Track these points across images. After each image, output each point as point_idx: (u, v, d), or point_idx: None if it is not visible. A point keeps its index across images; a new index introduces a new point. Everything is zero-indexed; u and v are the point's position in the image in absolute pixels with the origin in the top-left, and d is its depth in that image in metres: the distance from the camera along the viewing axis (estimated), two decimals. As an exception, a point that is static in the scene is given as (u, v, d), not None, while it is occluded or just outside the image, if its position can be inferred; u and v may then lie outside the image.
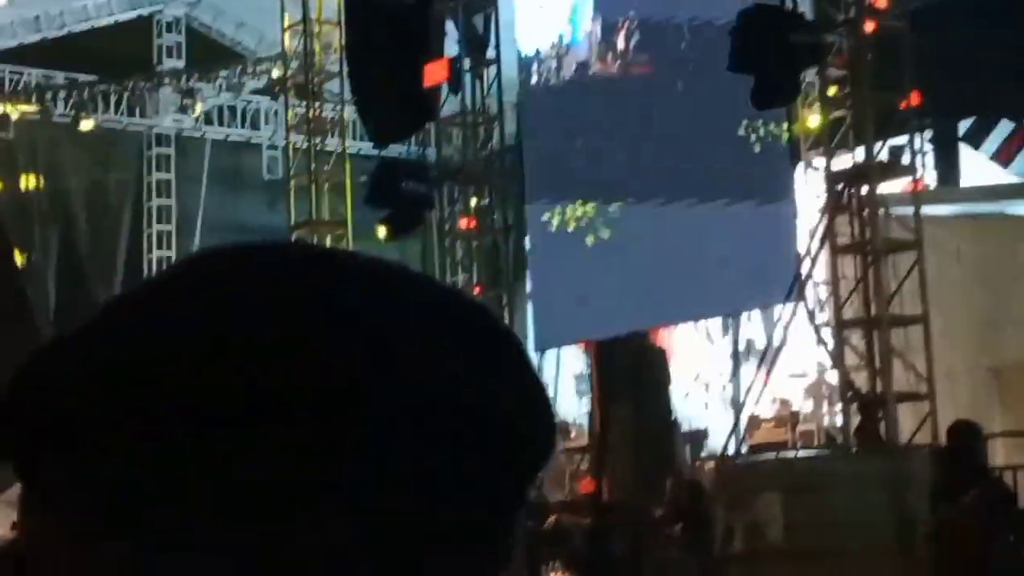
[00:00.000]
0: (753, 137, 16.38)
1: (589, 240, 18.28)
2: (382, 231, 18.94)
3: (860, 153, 15.81)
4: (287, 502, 0.76)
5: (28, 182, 26.17)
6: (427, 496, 0.78)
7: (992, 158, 20.73)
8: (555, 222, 18.78)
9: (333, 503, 0.77)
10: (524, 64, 19.54)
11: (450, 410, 0.79)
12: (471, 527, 0.80)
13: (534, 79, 19.41)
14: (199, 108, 26.85)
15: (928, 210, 16.15)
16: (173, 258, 27.15)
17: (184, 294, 0.80)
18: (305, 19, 20.94)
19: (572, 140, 18.57)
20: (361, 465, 0.77)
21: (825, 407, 17.84)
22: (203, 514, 0.76)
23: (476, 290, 19.27)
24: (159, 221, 27.66)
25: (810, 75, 16.68)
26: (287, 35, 21.42)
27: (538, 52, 19.34)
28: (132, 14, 27.81)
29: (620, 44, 18.30)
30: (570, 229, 18.57)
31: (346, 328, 0.78)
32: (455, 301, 0.85)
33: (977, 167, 20.77)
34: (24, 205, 26.26)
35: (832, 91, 16.32)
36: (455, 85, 19.39)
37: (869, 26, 15.85)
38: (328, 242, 20.83)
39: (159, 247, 27.46)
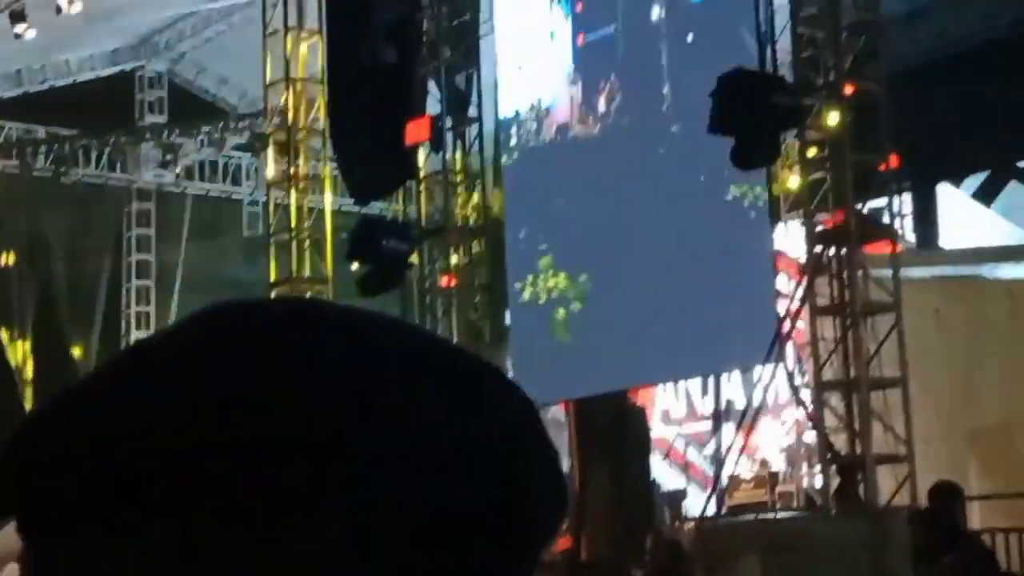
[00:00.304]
0: (733, 199, 16.44)
1: (560, 314, 18.27)
2: (362, 288, 18.93)
3: (840, 215, 15.89)
4: (284, 508, 0.79)
5: (7, 237, 26.13)
6: (421, 531, 0.80)
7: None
8: (526, 295, 18.77)
9: (328, 512, 0.79)
10: (504, 125, 19.59)
11: (433, 450, 0.81)
12: (466, 559, 0.82)
13: (513, 140, 19.46)
14: (180, 163, 26.87)
15: (907, 272, 16.23)
16: (152, 314, 27.11)
17: (169, 359, 0.82)
18: (287, 76, 20.99)
19: (552, 202, 18.59)
20: (348, 500, 0.79)
21: (804, 468, 17.83)
22: (201, 523, 0.78)
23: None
24: (138, 276, 27.61)
25: (790, 136, 16.76)
26: (269, 91, 21.46)
27: (517, 113, 19.40)
28: (114, 69, 27.87)
29: (601, 106, 18.37)
30: (541, 301, 18.58)
31: (328, 380, 0.81)
32: (435, 347, 0.87)
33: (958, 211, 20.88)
34: (3, 270, 26.23)
35: (812, 153, 16.43)
36: (437, 143, 19.45)
37: (848, 89, 15.98)
38: (308, 299, 20.80)
39: (138, 303, 27.40)
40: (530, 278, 18.77)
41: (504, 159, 19.59)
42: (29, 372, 25.78)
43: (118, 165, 26.87)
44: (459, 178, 19.84)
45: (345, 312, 0.87)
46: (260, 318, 0.85)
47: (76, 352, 26.45)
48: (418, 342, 0.86)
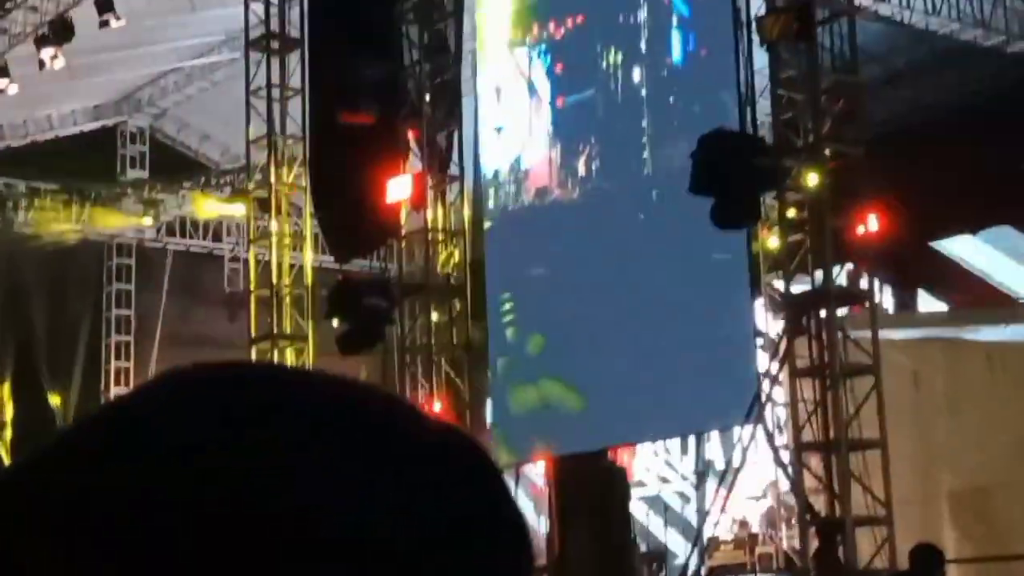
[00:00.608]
0: (713, 261, 16.48)
1: (542, 373, 18.26)
2: (342, 346, 18.92)
3: (819, 277, 15.97)
4: None
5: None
6: None
7: None
8: (507, 356, 18.79)
9: None
10: (484, 185, 19.64)
11: (384, 547, 0.81)
12: None
13: (491, 202, 19.50)
14: (161, 219, 26.89)
15: (886, 333, 16.30)
16: (131, 369, 27.03)
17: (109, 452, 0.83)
18: (270, 133, 21.05)
19: (531, 264, 18.62)
20: None
21: (784, 530, 17.83)
22: None
23: (436, 406, 19.24)
24: (118, 332, 27.55)
25: (770, 197, 16.86)
26: (252, 148, 21.50)
27: (497, 174, 19.46)
28: (96, 124, 27.92)
29: (581, 170, 18.42)
30: (522, 362, 18.58)
31: (273, 475, 0.81)
32: (393, 421, 0.86)
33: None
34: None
35: (791, 214, 16.52)
36: (418, 202, 19.49)
37: (828, 152, 16.09)
38: (289, 355, 20.78)
39: (117, 358, 27.34)
40: (510, 337, 18.78)
41: (486, 221, 19.63)
42: (8, 414, 25.80)
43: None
44: (440, 236, 19.88)
45: (301, 387, 0.86)
46: (222, 399, 0.84)
47: (55, 401, 26.38)
48: (373, 416, 0.85)
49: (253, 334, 21.21)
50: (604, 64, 18.17)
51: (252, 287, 21.86)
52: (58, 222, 26.32)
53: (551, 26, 18.90)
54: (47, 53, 23.17)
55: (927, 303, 20.95)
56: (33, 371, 26.31)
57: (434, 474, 0.84)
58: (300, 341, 20.96)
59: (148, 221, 26.79)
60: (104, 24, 22.52)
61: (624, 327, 17.08)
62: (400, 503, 0.82)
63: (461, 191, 19.73)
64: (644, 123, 17.63)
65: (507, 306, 18.95)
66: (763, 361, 16.57)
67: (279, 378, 0.88)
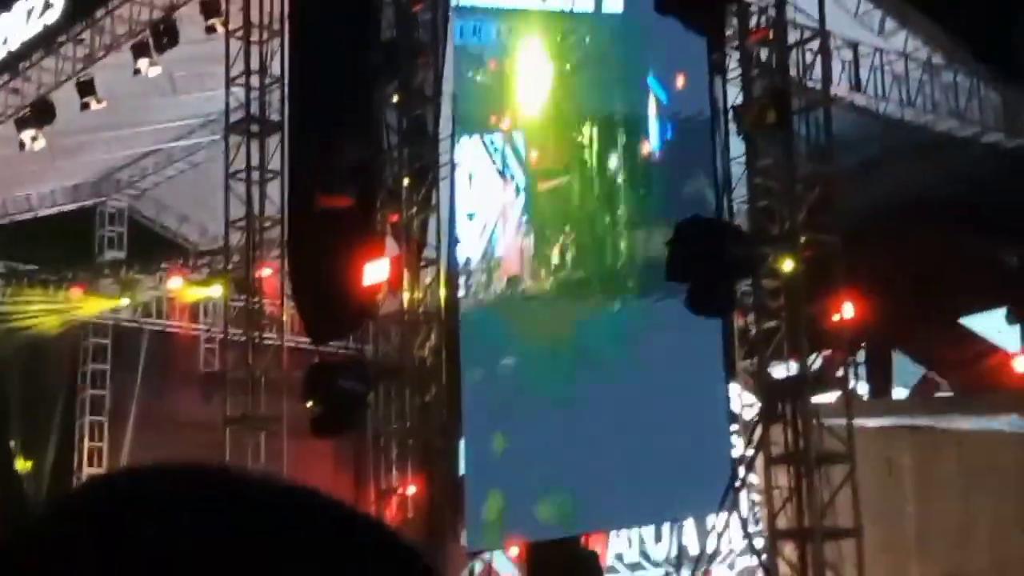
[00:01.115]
0: (689, 348, 16.49)
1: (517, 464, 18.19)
2: (316, 429, 18.86)
3: (794, 364, 16.00)
4: None
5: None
6: None
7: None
8: (487, 443, 18.73)
9: None
10: (456, 272, 19.65)
11: None
12: None
13: (461, 291, 19.51)
14: (138, 299, 26.86)
15: (860, 421, 16.31)
16: (104, 450, 26.89)
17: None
18: (249, 215, 21.09)
19: (503, 354, 18.59)
20: None
21: (758, 618, 17.73)
22: None
23: (412, 489, 19.16)
24: (92, 412, 27.41)
25: (746, 285, 16.91)
26: (231, 230, 21.53)
27: (468, 261, 19.50)
28: (75, 205, 27.97)
29: (555, 258, 18.44)
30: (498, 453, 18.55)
31: None
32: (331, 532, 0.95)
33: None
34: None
35: (767, 301, 16.58)
36: (395, 285, 19.50)
37: (804, 240, 16.18)
38: (263, 439, 20.68)
39: (91, 438, 27.18)
40: (480, 428, 18.72)
41: (461, 307, 19.63)
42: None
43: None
44: (417, 319, 19.86)
45: (244, 499, 0.96)
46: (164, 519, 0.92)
47: (27, 479, 26.20)
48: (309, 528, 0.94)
49: (228, 415, 21.12)
50: (579, 150, 18.27)
51: (228, 367, 21.82)
52: (35, 302, 26.26)
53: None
54: (28, 134, 23.27)
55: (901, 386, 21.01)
56: (5, 450, 26.14)
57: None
58: (274, 423, 20.87)
59: (125, 302, 26.75)
60: (85, 106, 22.64)
61: (598, 416, 17.04)
62: None
63: (438, 275, 19.76)
64: (620, 211, 17.71)
65: (481, 395, 18.89)
66: (738, 447, 16.56)
67: (220, 479, 0.97)
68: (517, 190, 19.01)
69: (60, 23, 22.90)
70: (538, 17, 19.07)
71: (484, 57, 19.71)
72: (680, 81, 17.36)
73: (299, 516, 0.97)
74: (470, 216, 19.51)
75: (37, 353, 26.84)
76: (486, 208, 19.22)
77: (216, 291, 24.56)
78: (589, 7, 18.63)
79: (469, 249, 19.47)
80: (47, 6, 23.01)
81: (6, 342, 26.23)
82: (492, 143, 19.38)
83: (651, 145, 17.76)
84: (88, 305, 26.85)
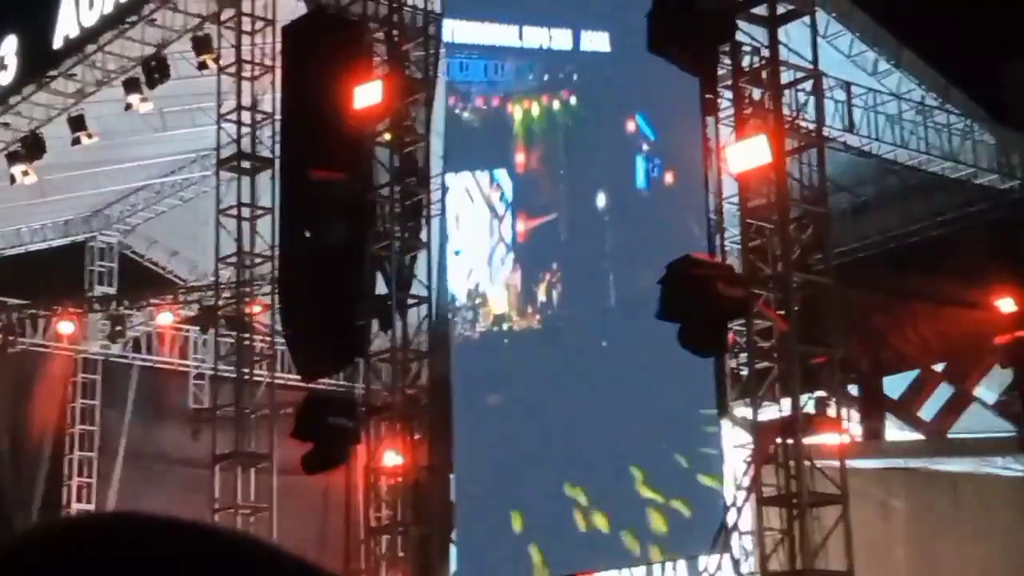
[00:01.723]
0: (679, 388, 16.41)
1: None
2: (306, 466, 18.76)
3: (787, 405, 15.91)
4: None
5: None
6: None
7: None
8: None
9: None
10: (445, 308, 19.59)
11: None
12: None
13: (449, 327, 19.44)
14: (128, 335, 26.76)
15: (853, 463, 16.22)
16: (94, 486, 26.73)
17: None
18: (239, 251, 21.02)
19: (490, 393, 18.51)
20: None
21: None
22: None
23: (401, 528, 19.05)
24: (81, 448, 27.27)
25: (738, 325, 16.85)
26: (220, 266, 21.47)
27: (454, 299, 19.44)
28: (65, 240, 27.90)
29: (542, 296, 18.38)
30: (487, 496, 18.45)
31: None
32: None
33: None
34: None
35: (759, 341, 16.50)
36: (385, 322, 19.43)
37: (796, 280, 16.12)
38: (252, 475, 20.56)
39: (80, 474, 27.03)
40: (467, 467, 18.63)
41: (452, 344, 19.57)
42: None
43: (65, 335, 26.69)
44: (408, 356, 19.77)
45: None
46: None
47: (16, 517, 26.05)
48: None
49: (216, 452, 20.99)
50: (568, 187, 18.23)
51: (217, 403, 21.72)
52: (24, 337, 26.16)
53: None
54: (18, 169, 23.21)
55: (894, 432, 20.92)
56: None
57: None
58: (263, 460, 20.75)
59: (115, 347, 26.66)
60: (76, 142, 22.60)
61: (586, 456, 16.94)
62: None
63: (430, 312, 19.69)
64: (607, 248, 17.66)
65: (470, 432, 18.80)
66: (729, 489, 16.45)
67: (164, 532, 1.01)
68: (504, 227, 18.97)
69: (12, 85, 22.98)
70: (521, 54, 19.07)
71: (472, 94, 19.72)
72: (670, 121, 17.33)
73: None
74: (456, 253, 19.48)
75: (25, 389, 26.71)
76: (473, 245, 19.18)
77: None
78: (567, 45, 18.64)
79: (457, 286, 19.42)
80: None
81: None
82: (478, 180, 19.35)
83: (638, 183, 17.72)
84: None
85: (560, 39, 18.75)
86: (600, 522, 16.66)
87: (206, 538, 1.03)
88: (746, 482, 16.00)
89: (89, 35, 22.04)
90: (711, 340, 15.29)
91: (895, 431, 20.77)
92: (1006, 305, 19.11)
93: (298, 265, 19.71)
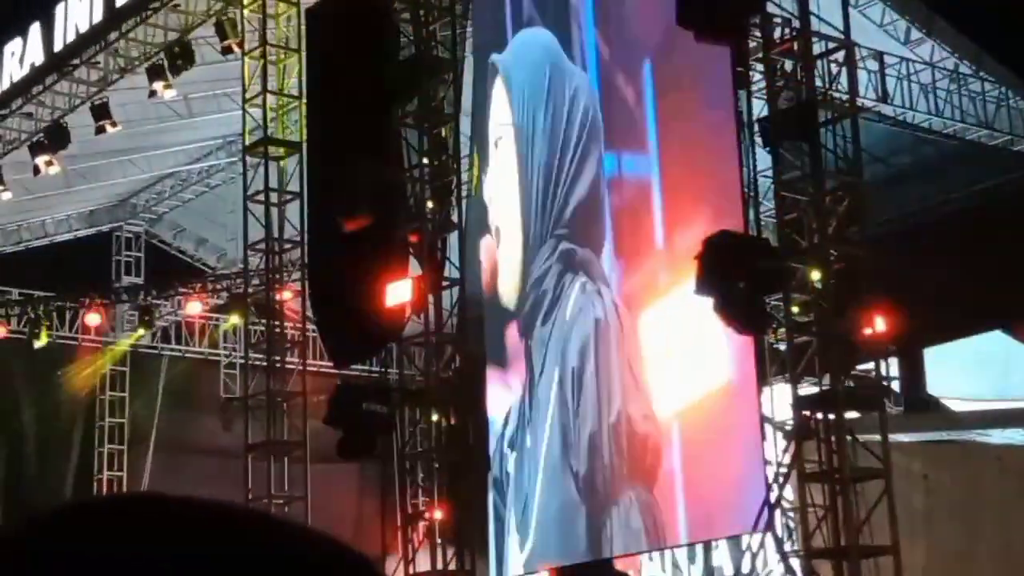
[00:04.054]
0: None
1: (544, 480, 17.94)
2: (341, 452, 18.64)
3: (826, 379, 15.71)
4: None
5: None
6: None
7: None
8: (511, 461, 18.48)
9: None
10: (477, 293, 19.42)
11: None
12: None
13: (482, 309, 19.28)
14: (156, 325, 26.65)
15: (896, 437, 16.02)
16: (124, 478, 26.65)
17: None
18: (268, 237, 20.88)
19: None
20: None
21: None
22: None
23: (439, 514, 18.91)
24: (111, 441, 27.17)
25: (775, 299, 16.63)
26: (249, 253, 21.32)
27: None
28: (91, 230, 27.81)
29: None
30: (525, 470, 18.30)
31: None
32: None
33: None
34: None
35: (797, 315, 16.29)
36: (418, 306, 19.26)
37: (833, 253, 15.91)
38: (285, 463, 20.44)
39: (110, 467, 26.94)
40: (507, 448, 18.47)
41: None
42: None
43: (93, 327, 26.61)
44: (441, 339, 19.60)
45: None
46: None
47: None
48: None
49: (249, 441, 20.87)
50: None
51: (249, 392, 21.59)
52: (51, 330, 26.06)
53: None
54: (42, 159, 23.09)
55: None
56: (24, 481, 25.93)
57: None
58: (297, 448, 20.62)
59: (141, 331, 26.56)
60: (100, 130, 22.47)
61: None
62: None
63: (462, 294, 19.52)
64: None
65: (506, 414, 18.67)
66: (771, 466, 16.24)
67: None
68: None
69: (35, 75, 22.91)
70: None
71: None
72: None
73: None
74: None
75: (53, 381, 26.65)
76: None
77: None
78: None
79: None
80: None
81: (22, 370, 26.05)
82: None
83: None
84: (112, 353, 26.73)
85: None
86: (641, 501, 16.46)
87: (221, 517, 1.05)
88: (788, 458, 15.79)
89: (111, 22, 21.90)
90: (754, 316, 15.06)
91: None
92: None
93: (328, 250, 19.56)
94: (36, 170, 23.24)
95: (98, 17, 21.93)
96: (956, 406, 20.25)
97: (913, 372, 20.62)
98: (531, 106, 18.21)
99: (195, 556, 1.00)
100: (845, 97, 16.80)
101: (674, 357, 16.19)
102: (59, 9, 22.57)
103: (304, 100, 20.45)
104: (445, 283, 19.38)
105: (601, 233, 17.48)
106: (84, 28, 22.21)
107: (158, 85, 21.63)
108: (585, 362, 17.18)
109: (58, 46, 22.67)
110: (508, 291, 18.62)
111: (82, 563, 0.99)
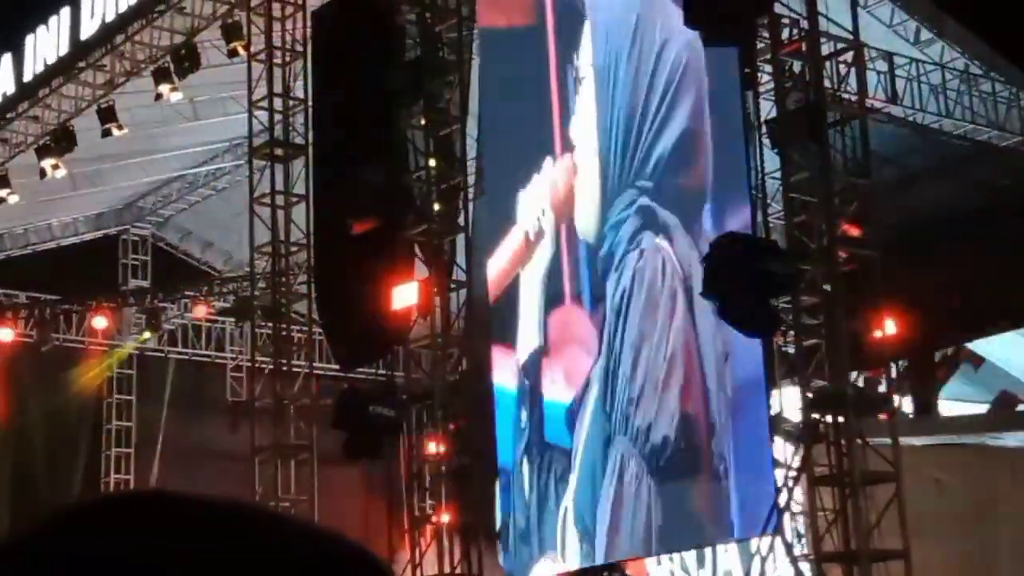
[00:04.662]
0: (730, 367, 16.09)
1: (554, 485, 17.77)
2: (347, 454, 18.59)
3: (836, 382, 15.60)
4: None
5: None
6: None
7: None
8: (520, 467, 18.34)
9: None
10: (484, 296, 19.31)
11: None
12: None
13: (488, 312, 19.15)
14: (163, 328, 26.59)
15: (906, 440, 15.91)
16: (131, 482, 26.59)
17: None
18: (274, 240, 20.80)
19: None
20: None
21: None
22: None
23: (446, 517, 18.82)
24: (118, 444, 27.12)
25: (784, 302, 16.52)
26: (256, 256, 21.24)
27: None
28: (98, 233, 27.75)
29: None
30: (535, 474, 18.14)
31: None
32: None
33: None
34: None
35: (806, 318, 16.19)
36: (425, 309, 19.18)
37: (842, 255, 15.81)
38: (292, 466, 20.37)
39: (117, 471, 26.89)
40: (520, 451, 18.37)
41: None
42: (4, 527, 25.26)
43: (99, 330, 26.54)
44: (448, 342, 19.51)
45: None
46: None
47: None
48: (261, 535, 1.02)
49: (256, 444, 20.80)
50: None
51: (255, 396, 21.52)
52: (58, 333, 26.02)
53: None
54: (48, 162, 23.03)
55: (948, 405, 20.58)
56: (31, 484, 25.87)
57: None
58: (303, 451, 20.55)
59: (148, 335, 26.50)
60: (106, 133, 22.40)
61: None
62: None
63: (469, 296, 19.44)
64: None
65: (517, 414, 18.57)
66: (780, 469, 16.12)
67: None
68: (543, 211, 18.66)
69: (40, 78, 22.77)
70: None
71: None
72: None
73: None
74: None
75: (60, 385, 26.59)
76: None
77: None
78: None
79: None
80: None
81: (28, 374, 26.00)
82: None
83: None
84: (118, 355, 26.67)
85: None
86: (653, 500, 16.36)
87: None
88: (797, 462, 15.68)
89: (117, 25, 21.84)
90: (762, 318, 14.96)
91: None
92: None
93: (335, 252, 19.48)
94: (42, 173, 23.19)
95: (104, 21, 21.88)
96: (965, 409, 20.15)
97: (922, 374, 20.51)
98: (615, 48, 17.62)
99: (200, 553, 0.98)
100: (854, 98, 16.71)
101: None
102: (65, 12, 22.53)
103: (310, 102, 20.37)
104: (452, 286, 19.29)
105: (690, 192, 16.70)
106: (90, 32, 22.15)
107: (164, 88, 21.55)
108: (650, 329, 16.70)
109: (64, 50, 22.62)
110: (583, 224, 17.89)
111: (85, 563, 0.98)
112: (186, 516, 1.02)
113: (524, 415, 18.39)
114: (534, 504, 18.01)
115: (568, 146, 18.05)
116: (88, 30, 22.15)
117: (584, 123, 17.86)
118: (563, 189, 18.08)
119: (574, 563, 17.52)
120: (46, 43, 22.85)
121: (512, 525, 18.49)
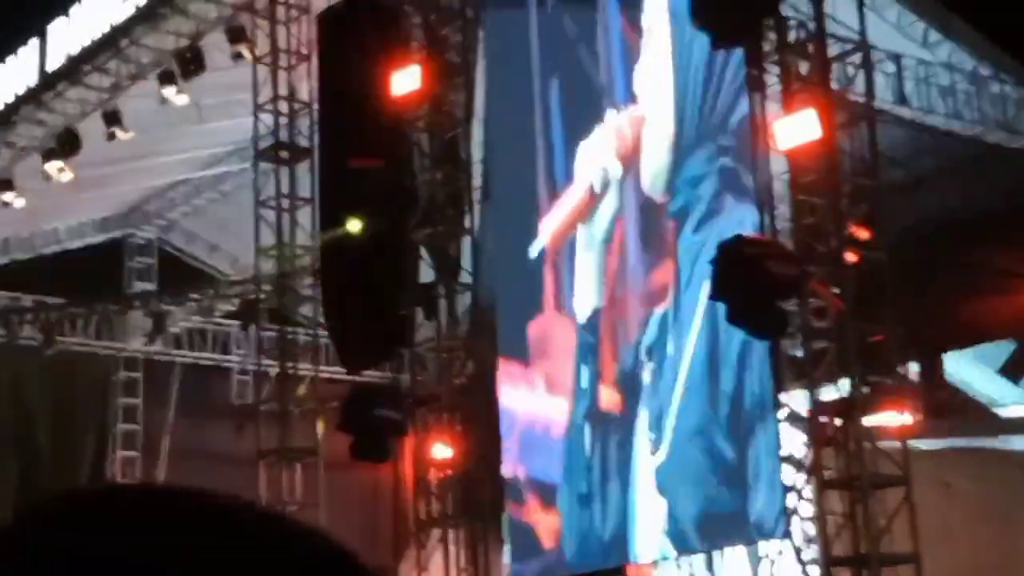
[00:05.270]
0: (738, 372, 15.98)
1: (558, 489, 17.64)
2: (353, 455, 18.54)
3: (845, 385, 15.51)
4: None
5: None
6: None
7: None
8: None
9: None
10: (490, 298, 19.23)
11: None
12: None
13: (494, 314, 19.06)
14: (169, 332, 26.53)
15: (916, 443, 15.82)
16: (137, 485, 26.57)
17: None
18: (279, 243, 20.75)
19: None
20: None
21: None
22: None
23: (452, 519, 18.77)
24: (124, 447, 27.07)
25: (792, 305, 16.41)
26: (261, 259, 21.19)
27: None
28: (103, 237, 27.71)
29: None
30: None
31: None
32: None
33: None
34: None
35: (814, 321, 16.10)
36: (429, 311, 19.14)
37: (851, 258, 15.71)
38: (298, 470, 20.30)
39: (123, 475, 26.83)
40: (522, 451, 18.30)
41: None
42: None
43: (105, 334, 26.50)
44: (453, 345, 19.46)
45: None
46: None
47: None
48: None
49: (261, 448, 20.74)
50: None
51: (261, 399, 21.48)
52: (64, 336, 25.97)
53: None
54: (53, 166, 22.99)
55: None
56: (37, 487, 25.81)
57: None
58: (310, 454, 20.50)
59: (156, 344, 26.47)
60: (111, 137, 22.35)
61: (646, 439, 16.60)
62: None
63: (474, 300, 19.39)
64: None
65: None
66: (789, 473, 16.04)
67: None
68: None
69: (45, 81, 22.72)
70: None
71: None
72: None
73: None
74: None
75: (66, 389, 26.54)
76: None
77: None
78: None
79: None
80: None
81: (35, 377, 25.96)
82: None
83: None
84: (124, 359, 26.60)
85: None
86: (660, 504, 16.29)
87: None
88: (806, 465, 15.59)
89: (122, 28, 21.78)
90: (771, 321, 14.86)
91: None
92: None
93: (339, 256, 19.43)
94: (47, 177, 23.14)
95: (109, 24, 21.82)
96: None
97: (933, 377, 20.40)
98: None
99: (185, 547, 0.98)
100: (861, 100, 16.62)
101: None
102: (70, 15, 22.49)
103: (315, 106, 20.31)
104: (458, 289, 19.24)
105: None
106: (95, 36, 22.09)
107: (169, 91, 21.50)
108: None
109: (69, 53, 22.57)
110: (650, 177, 17.41)
111: (85, 563, 0.98)
112: (174, 510, 1.02)
113: (586, 376, 17.87)
114: (657, 410, 17.15)
115: (632, 97, 17.57)
116: (93, 34, 22.08)
117: (657, 74, 17.22)
118: (631, 140, 17.51)
119: (579, 567, 17.44)
120: (51, 46, 22.83)
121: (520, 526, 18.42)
